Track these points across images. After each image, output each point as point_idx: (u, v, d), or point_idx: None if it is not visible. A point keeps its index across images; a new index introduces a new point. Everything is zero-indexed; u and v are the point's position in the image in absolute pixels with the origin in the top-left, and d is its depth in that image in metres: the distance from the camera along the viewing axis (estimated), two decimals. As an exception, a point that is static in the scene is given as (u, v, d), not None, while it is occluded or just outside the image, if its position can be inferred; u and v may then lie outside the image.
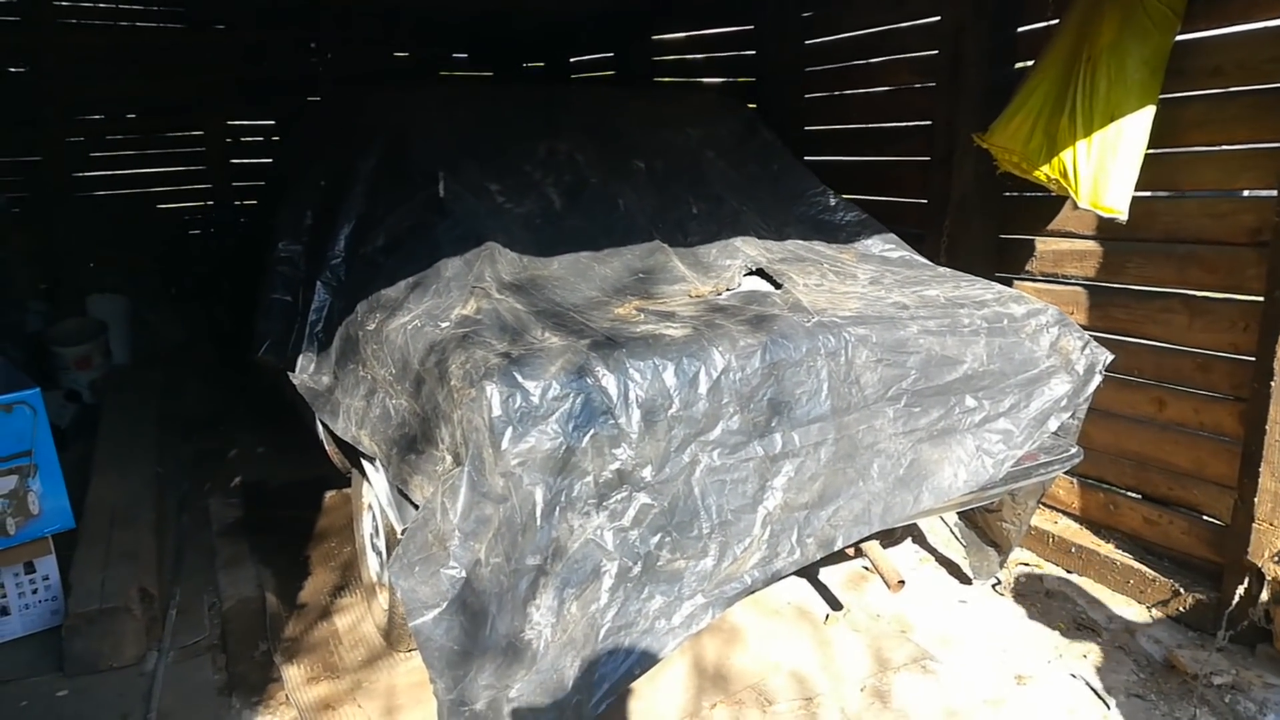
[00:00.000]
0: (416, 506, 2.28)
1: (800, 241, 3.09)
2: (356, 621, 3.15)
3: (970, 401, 2.52)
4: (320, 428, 3.13)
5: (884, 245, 3.26)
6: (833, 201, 3.39)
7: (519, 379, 2.01)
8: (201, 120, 7.24)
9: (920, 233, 3.92)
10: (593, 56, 7.16)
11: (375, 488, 2.72)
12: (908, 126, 4.19)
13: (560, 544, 2.01)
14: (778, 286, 2.68)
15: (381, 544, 2.95)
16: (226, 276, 5.18)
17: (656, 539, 2.10)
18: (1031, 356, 2.63)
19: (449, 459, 2.12)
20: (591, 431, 2.04)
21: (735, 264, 2.81)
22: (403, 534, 2.24)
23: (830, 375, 2.31)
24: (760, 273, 2.80)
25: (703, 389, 2.16)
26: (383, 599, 3.04)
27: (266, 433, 4.88)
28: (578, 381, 2.05)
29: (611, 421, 2.06)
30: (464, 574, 1.90)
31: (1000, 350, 2.57)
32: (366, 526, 3.16)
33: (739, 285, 2.71)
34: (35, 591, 3.15)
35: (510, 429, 1.97)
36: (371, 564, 3.15)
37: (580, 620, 2.02)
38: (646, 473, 2.09)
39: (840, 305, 2.51)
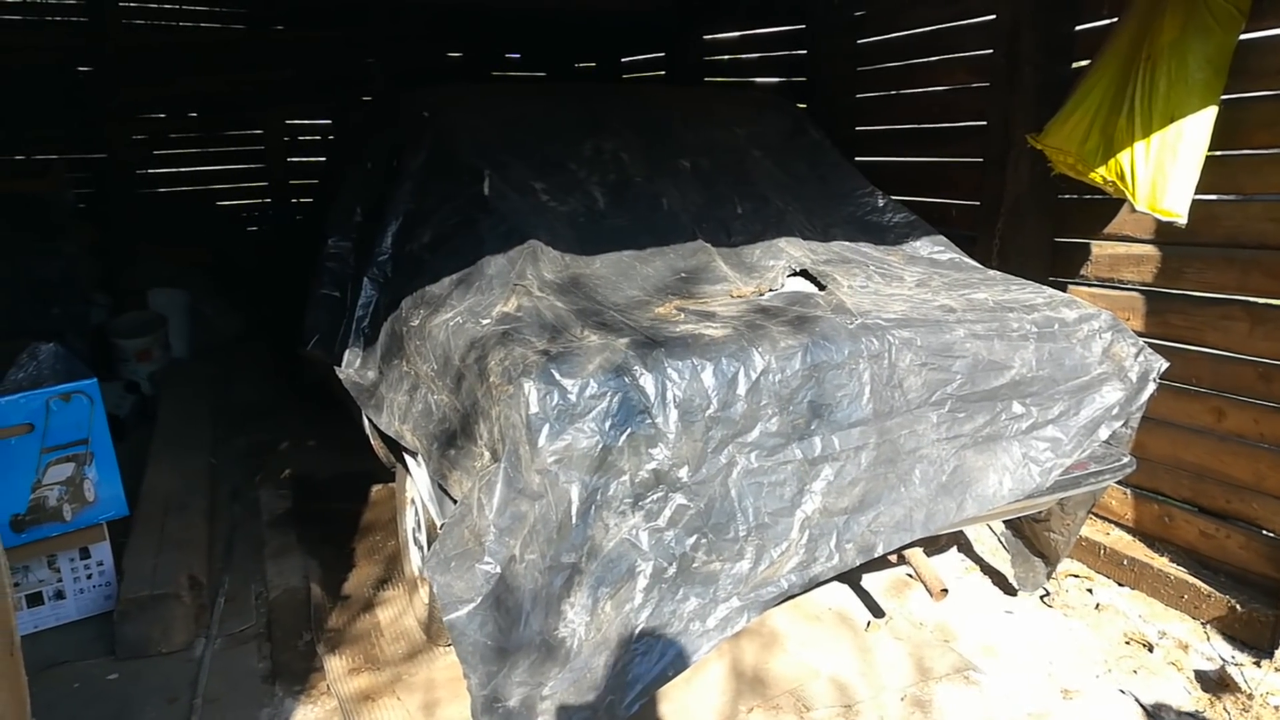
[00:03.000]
0: (456, 502, 2.30)
1: (846, 243, 3.05)
2: (398, 615, 3.18)
3: (1017, 408, 2.46)
4: (366, 422, 3.17)
5: (933, 247, 3.21)
6: (881, 202, 3.35)
7: (557, 376, 2.02)
8: (260, 119, 7.37)
9: (972, 235, 3.85)
10: (644, 56, 7.17)
11: (417, 483, 2.74)
12: (961, 127, 4.12)
13: (595, 543, 2.00)
14: (822, 288, 2.65)
15: (424, 539, 2.98)
16: (282, 272, 5.27)
17: (692, 540, 2.09)
18: (1083, 363, 2.56)
19: (487, 455, 2.13)
20: (628, 431, 2.04)
21: (779, 265, 2.79)
22: (441, 530, 2.26)
23: (873, 378, 2.27)
24: (804, 274, 2.77)
25: (741, 390, 2.14)
26: (424, 593, 3.07)
27: (316, 426, 4.96)
28: (615, 380, 2.05)
29: (648, 421, 2.05)
30: (499, 570, 1.91)
31: (1050, 356, 2.51)
32: (409, 521, 3.20)
33: (782, 286, 2.69)
34: (90, 576, 3.24)
35: (547, 426, 1.98)
36: (414, 558, 3.18)
37: (614, 620, 2.02)
38: (683, 473, 2.08)
39: (885, 307, 2.47)
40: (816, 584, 2.24)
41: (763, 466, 2.16)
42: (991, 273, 3.01)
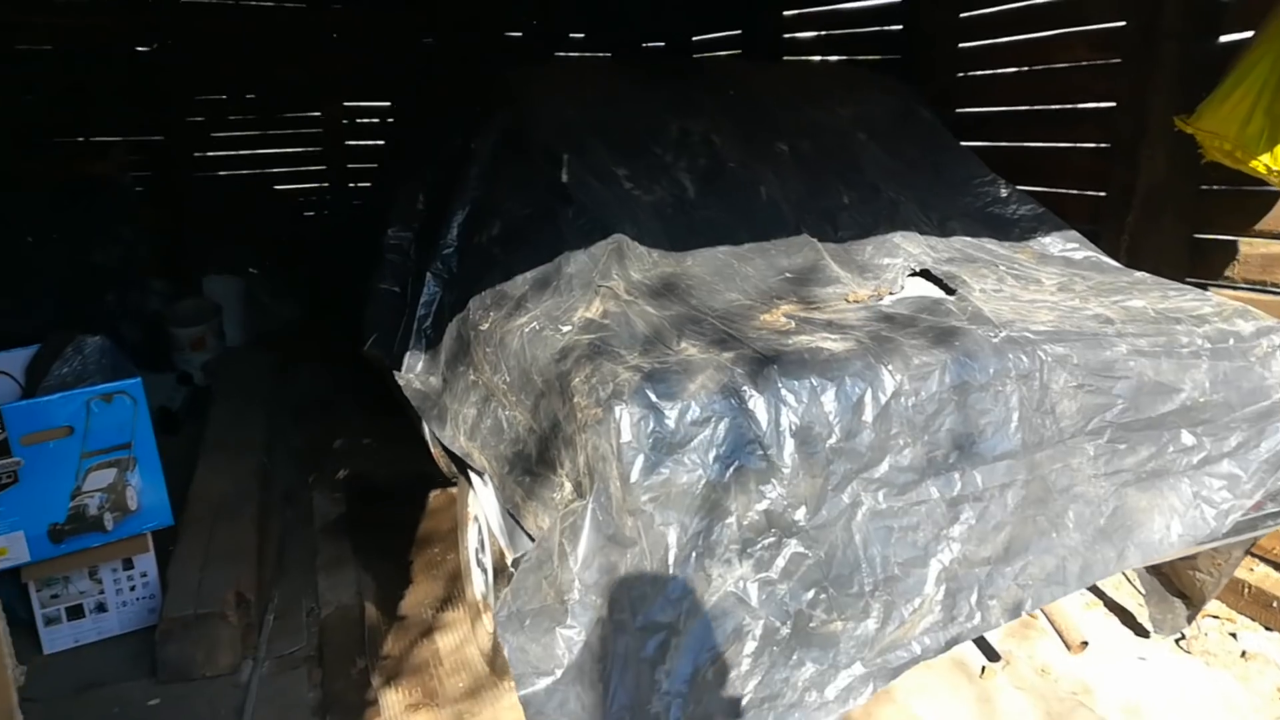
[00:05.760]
0: (530, 536, 2.00)
1: (967, 238, 2.68)
2: (459, 643, 2.91)
3: (1187, 438, 2.09)
4: (426, 427, 2.90)
5: (1065, 244, 2.82)
6: (1004, 192, 2.96)
7: (653, 399, 1.70)
8: (318, 102, 7.18)
9: (1093, 230, 3.43)
10: (717, 35, 6.79)
11: (483, 503, 2.46)
12: (1083, 109, 3.71)
13: (696, 598, 1.69)
14: (950, 292, 2.29)
15: (488, 561, 2.70)
16: (341, 260, 5.06)
17: (809, 595, 1.76)
18: (1262, 385, 2.17)
19: (568, 487, 1.83)
20: (736, 464, 1.72)
21: (896, 263, 2.44)
22: (513, 567, 1.96)
23: (1021, 403, 1.92)
24: (925, 274, 2.41)
25: (869, 416, 1.80)
26: (488, 621, 2.80)
27: (373, 421, 4.73)
28: (721, 403, 1.73)
29: (760, 453, 1.73)
30: (583, 636, 1.60)
31: (1225, 377, 2.12)
32: (472, 540, 2.92)
33: (902, 289, 2.33)
34: (134, 589, 3.03)
35: (641, 458, 1.66)
36: (476, 582, 2.90)
37: (717, 691, 1.69)
38: (799, 515, 1.75)
39: (1029, 316, 2.11)
40: (953, 646, 1.90)
41: (892, 507, 1.82)
42: (1139, 275, 2.61)
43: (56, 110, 6.30)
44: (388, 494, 4.09)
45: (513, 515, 2.10)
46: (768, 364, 1.80)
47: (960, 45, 4.32)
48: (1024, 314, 2.13)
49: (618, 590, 1.63)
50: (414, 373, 2.64)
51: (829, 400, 1.78)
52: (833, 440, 1.78)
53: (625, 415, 1.68)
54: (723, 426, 1.72)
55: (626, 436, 1.67)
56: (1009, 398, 1.91)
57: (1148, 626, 2.97)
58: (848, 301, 2.20)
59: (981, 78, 4.25)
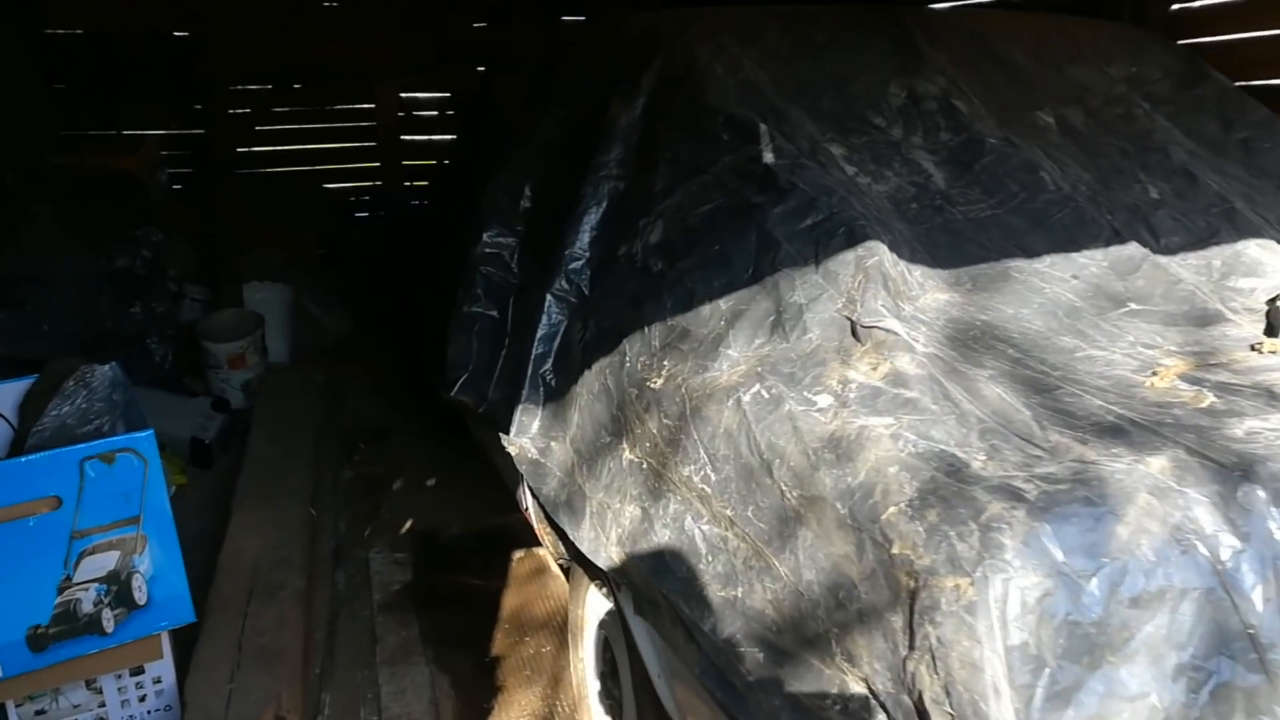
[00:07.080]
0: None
1: (1325, 248, 1.84)
2: (574, 797, 2.13)
3: None
4: (526, 493, 2.12)
5: None
6: (1347, 185, 2.10)
7: (1059, 557, 0.89)
8: (372, 92, 6.57)
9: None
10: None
11: (631, 630, 1.66)
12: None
13: None
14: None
15: (629, 704, 1.90)
16: (400, 267, 4.36)
17: None
18: None
19: (853, 688, 1.02)
20: (1214, 680, 0.90)
21: (1265, 287, 1.60)
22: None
23: None
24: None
25: None
26: (619, 776, 2.01)
27: (437, 455, 3.98)
28: (1182, 563, 0.92)
29: (1254, 656, 0.92)
30: None
31: None
32: (590, 657, 2.12)
33: (1306, 328, 1.49)
34: (144, 699, 2.32)
35: (1047, 676, 0.86)
36: (596, 716, 2.11)
37: None
38: (1327, 776, 0.94)
39: None
40: None
41: None
42: None
43: (88, 100, 5.77)
44: (460, 555, 3.33)
45: (712, 685, 1.30)
46: (1240, 482, 0.98)
47: (1172, 7, 3.50)
48: None
49: None
50: (528, 436, 1.84)
51: (1363, 552, 0.96)
52: (1374, 628, 0.96)
53: (1014, 592, 0.87)
54: (1187, 608, 0.91)
55: (1019, 636, 0.86)
56: None
57: None
58: (1259, 352, 1.36)
59: (1207, 45, 3.41)
